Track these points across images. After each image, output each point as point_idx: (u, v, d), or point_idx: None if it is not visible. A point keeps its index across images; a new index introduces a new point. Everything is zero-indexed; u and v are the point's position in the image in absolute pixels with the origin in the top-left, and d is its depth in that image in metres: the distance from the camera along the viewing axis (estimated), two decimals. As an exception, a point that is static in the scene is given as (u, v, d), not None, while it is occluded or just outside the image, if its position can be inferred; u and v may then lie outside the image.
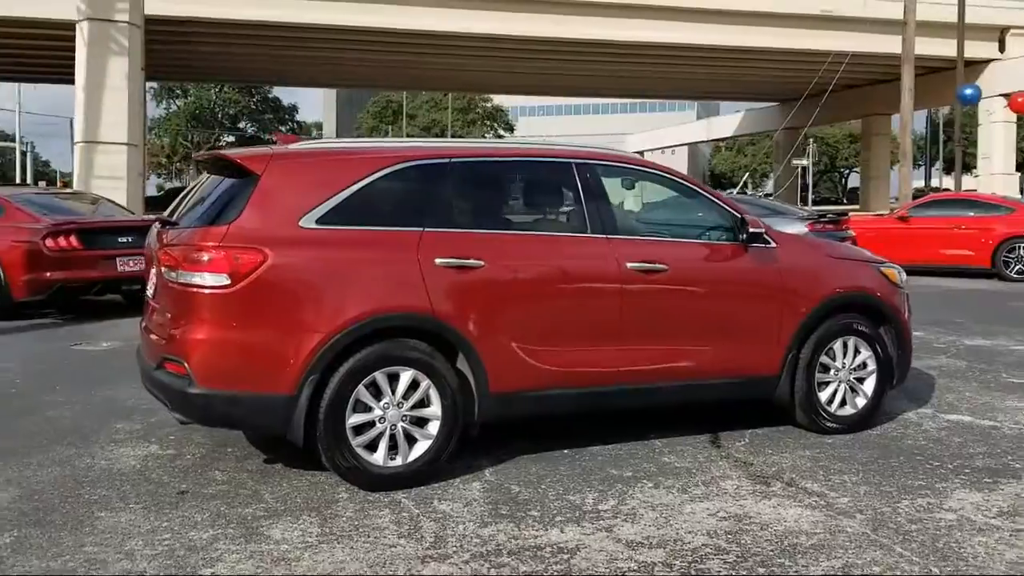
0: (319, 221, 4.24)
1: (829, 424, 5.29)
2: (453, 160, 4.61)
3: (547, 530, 3.85)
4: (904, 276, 5.72)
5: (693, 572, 3.44)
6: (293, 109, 73.98)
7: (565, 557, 3.57)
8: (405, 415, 4.33)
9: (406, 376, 4.30)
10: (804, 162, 47.66)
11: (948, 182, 72.00)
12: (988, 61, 37.59)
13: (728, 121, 56.69)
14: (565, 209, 4.81)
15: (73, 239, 9.30)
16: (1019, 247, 14.05)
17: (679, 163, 67.49)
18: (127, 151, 18.40)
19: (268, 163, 4.28)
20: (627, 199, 5.05)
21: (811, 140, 60.47)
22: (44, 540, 3.69)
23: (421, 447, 4.36)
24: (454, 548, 3.65)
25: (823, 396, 5.29)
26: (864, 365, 5.39)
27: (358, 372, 4.20)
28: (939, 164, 70.18)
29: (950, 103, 48.74)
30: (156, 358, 4.33)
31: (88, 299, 10.51)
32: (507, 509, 4.08)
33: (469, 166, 4.68)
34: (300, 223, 4.21)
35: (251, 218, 4.14)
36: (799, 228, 11.32)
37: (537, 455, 4.87)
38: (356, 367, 4.19)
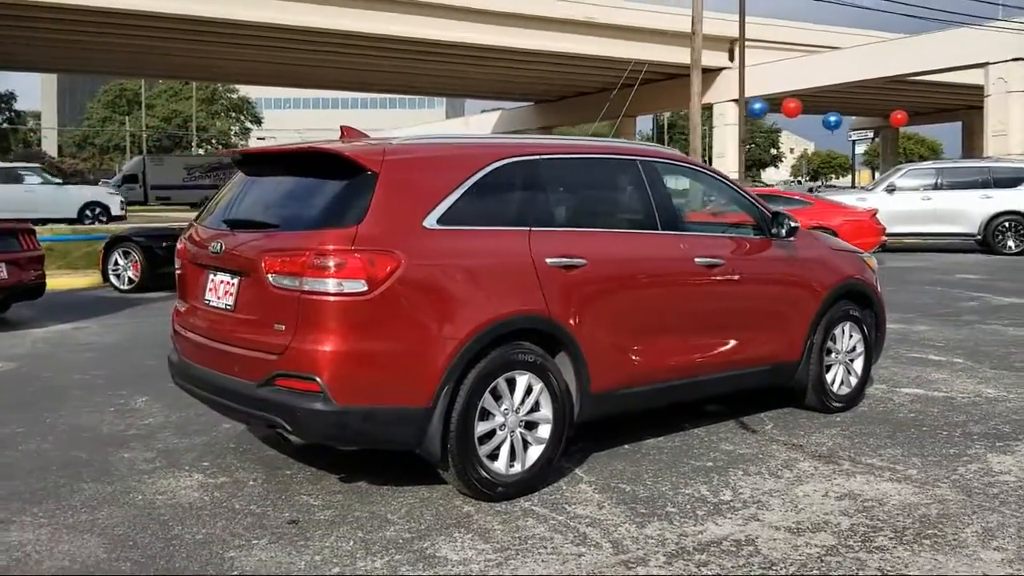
0: (440, 221, 3.99)
1: (835, 404, 5.71)
2: (543, 156, 4.50)
3: (703, 524, 3.89)
4: (876, 263, 6.28)
5: (874, 551, 3.62)
6: (10, 97, 66.43)
7: (751, 549, 3.63)
8: (521, 420, 4.19)
9: (523, 380, 4.16)
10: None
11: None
12: (721, 69, 41.26)
13: (485, 119, 58.08)
14: (636, 206, 4.84)
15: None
16: (818, 237, 15.72)
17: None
18: None
19: (383, 160, 3.95)
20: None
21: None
22: (202, 590, 3.23)
23: (535, 452, 4.24)
24: (640, 551, 3.60)
25: (828, 378, 5.70)
26: (855, 348, 5.86)
27: (485, 378, 4.02)
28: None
29: (686, 107, 53.18)
30: (260, 374, 3.86)
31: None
32: (644, 508, 4.07)
33: (556, 162, 4.59)
34: (424, 224, 3.94)
35: (377, 219, 3.82)
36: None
37: (606, 452, 4.88)
38: (484, 373, 4.00)
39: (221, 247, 4.17)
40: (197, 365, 4.28)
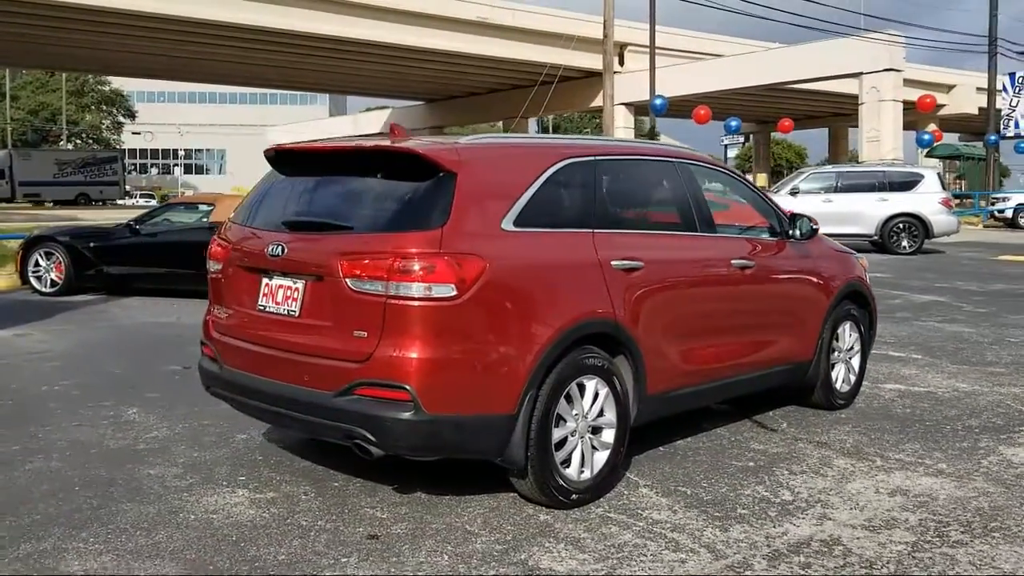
0: (515, 223, 3.88)
1: (839, 401, 5.86)
2: (599, 157, 4.44)
3: (781, 526, 3.91)
4: (867, 263, 6.50)
5: (957, 546, 3.71)
6: None
7: (842, 548, 3.68)
8: (589, 426, 4.12)
9: (591, 385, 4.10)
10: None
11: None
12: (612, 73, 41.98)
13: (376, 117, 57.37)
14: (679, 207, 4.84)
15: None
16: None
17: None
18: None
19: (459, 160, 3.80)
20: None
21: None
22: (318, 615, 3.03)
23: (600, 458, 4.18)
24: (738, 555, 3.60)
25: (833, 375, 5.84)
26: (853, 346, 6.04)
27: (561, 384, 3.93)
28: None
29: (577, 108, 53.88)
30: (337, 384, 3.65)
31: None
32: (718, 511, 4.06)
33: (610, 163, 4.54)
34: (503, 226, 3.82)
35: (461, 221, 3.67)
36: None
37: (645, 455, 4.86)
38: (561, 378, 3.92)
39: (282, 250, 3.91)
40: (249, 374, 4.02)
